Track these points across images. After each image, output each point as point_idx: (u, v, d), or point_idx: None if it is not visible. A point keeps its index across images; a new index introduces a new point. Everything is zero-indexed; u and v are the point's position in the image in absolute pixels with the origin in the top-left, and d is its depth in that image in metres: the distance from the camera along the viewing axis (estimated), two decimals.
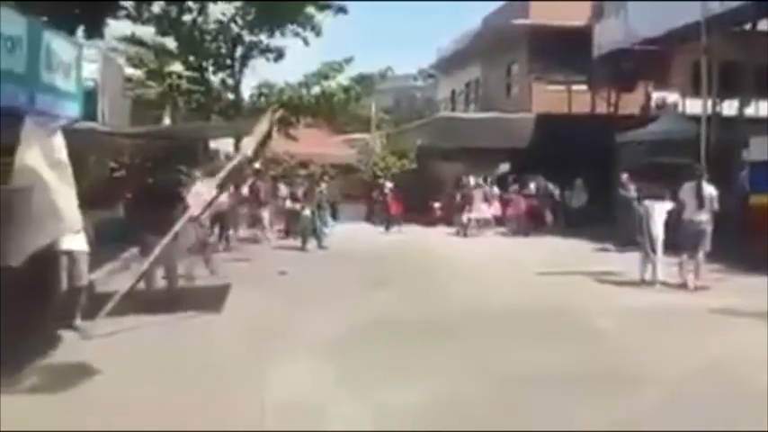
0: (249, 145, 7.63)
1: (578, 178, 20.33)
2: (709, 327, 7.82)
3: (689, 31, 17.80)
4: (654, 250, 10.46)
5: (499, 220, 20.85)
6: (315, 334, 7.31)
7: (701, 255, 10.18)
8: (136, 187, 10.86)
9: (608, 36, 22.01)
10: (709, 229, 10.29)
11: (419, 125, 28.05)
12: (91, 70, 12.11)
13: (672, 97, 26.11)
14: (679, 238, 10.43)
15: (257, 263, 13.40)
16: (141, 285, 8.90)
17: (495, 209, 20.96)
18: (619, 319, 8.03)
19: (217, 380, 5.72)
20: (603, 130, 21.01)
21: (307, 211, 16.28)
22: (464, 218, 19.82)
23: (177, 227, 7.77)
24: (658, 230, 10.52)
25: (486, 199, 20.61)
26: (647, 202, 10.76)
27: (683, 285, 10.17)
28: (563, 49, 23.94)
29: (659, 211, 10.62)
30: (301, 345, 6.89)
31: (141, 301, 8.16)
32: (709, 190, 10.39)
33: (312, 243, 15.97)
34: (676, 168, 17.01)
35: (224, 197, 15.11)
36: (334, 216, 22.86)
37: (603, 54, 22.90)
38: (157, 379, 5.74)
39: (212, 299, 8.98)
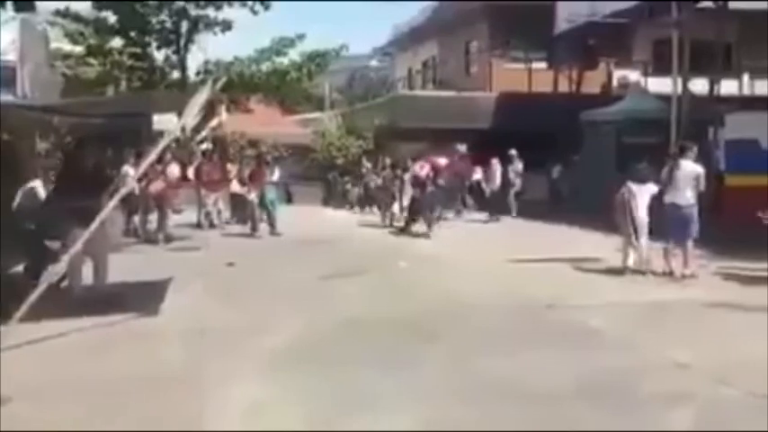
0: (189, 114, 6.47)
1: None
2: (718, 326, 7.00)
3: (658, 7, 17.10)
4: (638, 236, 9.66)
5: None
6: (268, 341, 6.23)
7: (689, 242, 9.40)
8: (58, 170, 9.54)
9: (571, 11, 21.19)
10: (695, 212, 9.54)
11: (376, 104, 27.00)
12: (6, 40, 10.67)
13: (633, 76, 25.63)
14: (664, 223, 9.64)
15: (203, 252, 12.23)
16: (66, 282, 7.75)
17: None
18: (611, 317, 7.16)
19: (144, 407, 4.63)
20: (567, 109, 20.27)
21: (253, 195, 15.10)
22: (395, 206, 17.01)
23: (104, 213, 6.56)
24: (642, 214, 9.72)
25: None
26: (630, 185, 9.93)
27: (668, 274, 9.39)
28: (524, 26, 23.15)
29: (643, 194, 9.81)
30: (250, 358, 5.81)
31: (64, 302, 7.00)
32: (695, 168, 9.61)
33: (264, 229, 14.83)
34: (648, 148, 16.51)
35: (165, 180, 13.95)
36: (289, 199, 21.78)
37: (566, 30, 22.13)
38: (77, 403, 4.63)
39: (149, 297, 7.80)
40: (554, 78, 23.59)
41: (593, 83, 24.59)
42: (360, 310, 7.50)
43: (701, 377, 5.26)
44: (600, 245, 11.85)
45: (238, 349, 6.02)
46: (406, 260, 10.98)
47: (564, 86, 24.11)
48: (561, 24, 22.13)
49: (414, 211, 15.27)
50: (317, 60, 23.54)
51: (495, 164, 18.31)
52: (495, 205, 17.77)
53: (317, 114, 31.77)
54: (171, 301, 7.81)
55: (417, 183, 15.26)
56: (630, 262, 9.68)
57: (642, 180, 9.91)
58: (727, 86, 18.97)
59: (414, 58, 33.45)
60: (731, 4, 17.27)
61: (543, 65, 24.88)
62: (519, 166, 18.33)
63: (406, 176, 16.50)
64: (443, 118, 22.14)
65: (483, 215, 17.72)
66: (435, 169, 15.11)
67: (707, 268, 9.84)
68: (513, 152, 18.27)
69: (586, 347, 6.07)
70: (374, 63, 52.50)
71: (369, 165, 21.54)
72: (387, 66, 43.77)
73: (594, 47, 23.49)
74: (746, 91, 23.81)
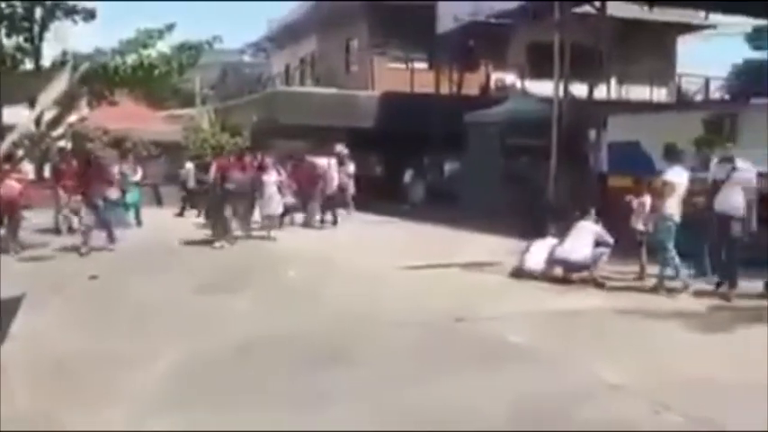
0: (43, 104, 5.31)
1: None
2: (635, 336, 6.69)
3: (540, 8, 17.21)
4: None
5: None
6: (140, 376, 5.23)
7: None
8: None
9: (455, 10, 21.02)
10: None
11: (253, 100, 25.75)
12: None
13: (510, 78, 25.98)
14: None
15: (60, 262, 10.81)
16: None
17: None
18: (528, 329, 6.67)
19: None
20: (450, 110, 20.10)
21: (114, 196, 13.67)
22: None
23: None
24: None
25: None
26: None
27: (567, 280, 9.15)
28: (405, 25, 22.82)
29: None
30: (119, 399, 4.81)
31: None
32: None
33: (128, 233, 13.50)
34: (532, 149, 16.59)
35: (15, 182, 12.25)
36: (159, 201, 20.23)
37: (447, 31, 21.97)
38: None
39: None
40: (435, 79, 23.39)
41: (472, 85, 24.65)
42: (246, 331, 6.58)
43: (638, 400, 4.83)
44: (491, 247, 11.56)
45: (104, 386, 4.99)
46: (295, 269, 10.15)
47: (446, 88, 23.99)
48: (443, 24, 21.95)
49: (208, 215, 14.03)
50: (188, 53, 22.02)
51: (331, 165, 16.64)
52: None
53: (188, 110, 29.98)
54: (22, 323, 6.55)
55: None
56: (533, 268, 9.37)
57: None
58: (599, 91, 19.43)
59: (291, 55, 32.39)
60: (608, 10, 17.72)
61: (425, 65, 24.67)
62: (350, 167, 17.48)
63: (266, 177, 14.30)
64: (325, 116, 21.35)
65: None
66: (222, 170, 13.47)
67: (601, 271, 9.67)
68: (345, 151, 17.25)
69: (509, 368, 5.53)
70: (247, 59, 50.82)
71: (190, 165, 19.12)
72: (262, 62, 42.37)
73: (474, 48, 23.53)
74: (615, 95, 24.67)
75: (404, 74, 24.20)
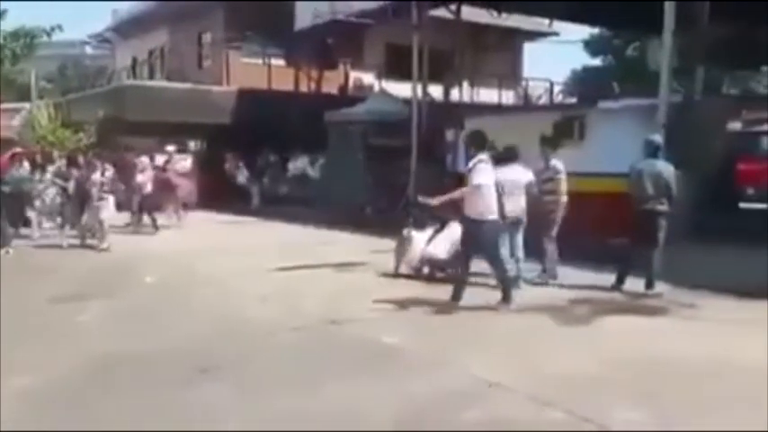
0: None
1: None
2: (502, 330, 6.80)
3: (399, 9, 17.39)
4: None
5: None
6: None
7: None
8: None
9: (312, 8, 20.81)
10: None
11: (98, 94, 24.12)
12: None
13: (367, 78, 26.15)
14: None
15: None
16: None
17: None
18: (402, 330, 6.61)
19: None
20: (309, 108, 19.88)
21: None
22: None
23: None
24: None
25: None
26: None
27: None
28: (262, 20, 22.28)
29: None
30: None
31: None
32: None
33: None
34: (393, 150, 16.71)
35: None
36: None
37: (305, 28, 21.72)
38: None
39: None
40: (295, 76, 23.06)
41: (331, 83, 24.56)
42: (107, 343, 6.04)
43: (519, 398, 4.88)
44: (354, 247, 11.52)
45: None
46: (152, 275, 9.53)
47: (305, 85, 23.73)
48: (301, 21, 21.67)
49: None
50: (24, 41, 20.29)
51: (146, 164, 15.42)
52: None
53: (22, 104, 27.58)
54: None
55: None
56: (403, 268, 9.38)
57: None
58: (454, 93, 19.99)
59: (139, 47, 30.71)
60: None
61: (282, 62, 24.25)
62: (182, 165, 16.91)
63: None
64: (178, 111, 20.39)
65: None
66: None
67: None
68: (172, 149, 16.84)
69: (389, 371, 5.43)
70: (89, 50, 47.68)
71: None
72: (105, 54, 39.90)
73: (332, 47, 23.45)
74: (467, 98, 25.52)
75: (260, 70, 23.66)
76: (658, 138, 8.51)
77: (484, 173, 7.43)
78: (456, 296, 7.60)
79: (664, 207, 8.07)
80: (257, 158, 21.48)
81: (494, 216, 7.46)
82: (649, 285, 8.09)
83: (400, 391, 4.95)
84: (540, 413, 4.60)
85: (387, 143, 16.60)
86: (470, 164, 7.59)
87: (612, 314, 7.31)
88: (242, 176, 21.02)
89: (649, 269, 8.10)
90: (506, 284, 7.56)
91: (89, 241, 12.56)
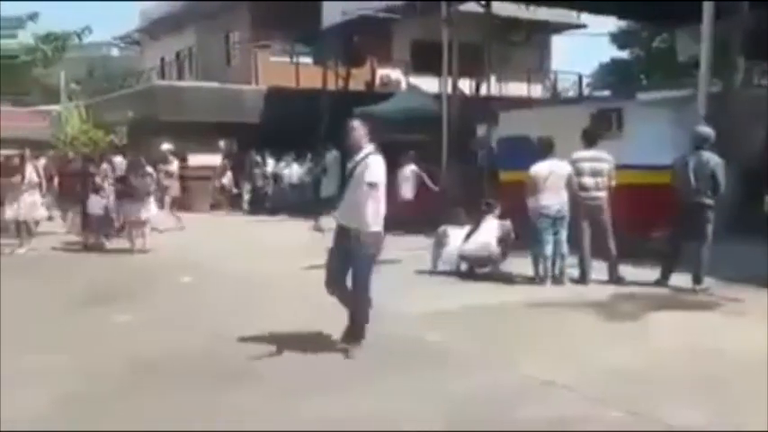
0: None
1: None
2: (554, 330, 6.67)
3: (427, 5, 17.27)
4: None
5: None
6: (19, 400, 4.61)
7: None
8: None
9: (340, 6, 20.74)
10: None
11: (129, 95, 24.33)
12: None
13: (395, 74, 26.04)
14: None
15: None
16: None
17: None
18: (443, 327, 6.51)
19: None
20: (339, 105, 19.77)
21: None
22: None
23: None
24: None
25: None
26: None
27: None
28: (289, 19, 22.28)
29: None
30: None
31: None
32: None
33: None
34: (422, 145, 16.58)
35: None
36: None
37: (332, 26, 21.66)
38: None
39: None
40: (323, 74, 23.02)
41: (358, 80, 24.49)
42: (144, 347, 6.02)
43: (575, 397, 4.76)
44: (386, 245, 11.38)
45: None
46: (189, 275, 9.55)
47: (332, 83, 23.68)
48: (328, 19, 21.62)
49: None
50: (55, 44, 20.45)
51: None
52: None
53: (53, 107, 27.89)
54: None
55: None
56: (440, 265, 9.30)
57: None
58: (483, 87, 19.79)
59: (167, 47, 30.92)
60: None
61: (309, 60, 24.24)
62: (171, 166, 16.36)
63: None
64: (209, 111, 20.51)
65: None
66: None
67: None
68: (167, 147, 16.51)
69: (436, 370, 5.33)
70: (115, 52, 48.11)
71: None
72: (132, 55, 40.26)
73: (359, 44, 23.37)
74: (496, 92, 25.31)
75: (288, 68, 23.68)
76: (707, 129, 8.23)
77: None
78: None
79: (711, 200, 7.87)
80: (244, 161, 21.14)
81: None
82: (697, 280, 7.89)
83: (450, 391, 4.87)
84: (599, 412, 4.49)
85: (416, 139, 16.47)
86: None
87: (660, 310, 7.16)
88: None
89: (697, 264, 7.90)
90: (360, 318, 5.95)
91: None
